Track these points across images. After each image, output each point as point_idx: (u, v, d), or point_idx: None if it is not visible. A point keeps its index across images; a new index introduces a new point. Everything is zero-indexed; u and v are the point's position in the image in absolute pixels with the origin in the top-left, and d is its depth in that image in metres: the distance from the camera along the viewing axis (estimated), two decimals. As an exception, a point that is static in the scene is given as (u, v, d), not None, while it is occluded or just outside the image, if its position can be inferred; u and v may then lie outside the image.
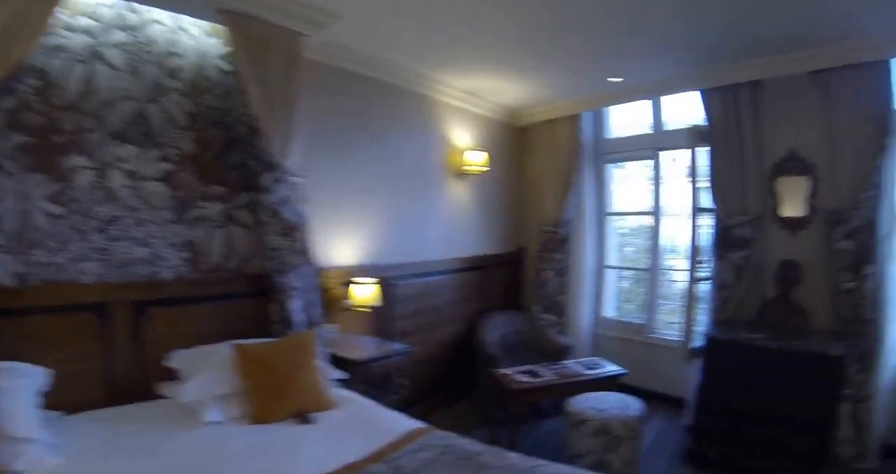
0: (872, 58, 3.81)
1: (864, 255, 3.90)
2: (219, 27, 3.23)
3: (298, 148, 3.37)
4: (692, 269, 4.56)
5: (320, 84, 3.89)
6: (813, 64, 4.05)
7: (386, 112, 4.52)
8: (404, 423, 2.80)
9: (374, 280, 3.99)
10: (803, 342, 3.79)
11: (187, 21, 3.22)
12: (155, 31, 3.07)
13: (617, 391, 4.12)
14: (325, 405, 2.91)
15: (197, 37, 3.27)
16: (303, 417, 2.75)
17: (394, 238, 4.57)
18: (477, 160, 5.22)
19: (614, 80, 4.85)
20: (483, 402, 4.86)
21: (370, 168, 4.35)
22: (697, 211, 4.59)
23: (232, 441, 2.45)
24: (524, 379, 4.10)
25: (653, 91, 5.09)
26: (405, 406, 3.77)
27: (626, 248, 6.05)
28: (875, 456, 3.89)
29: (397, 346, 3.97)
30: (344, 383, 3.31)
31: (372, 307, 3.96)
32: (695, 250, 4.56)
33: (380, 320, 4.29)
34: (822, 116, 4.12)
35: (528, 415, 4.64)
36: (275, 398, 2.79)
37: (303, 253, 3.44)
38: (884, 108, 3.83)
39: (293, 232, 3.39)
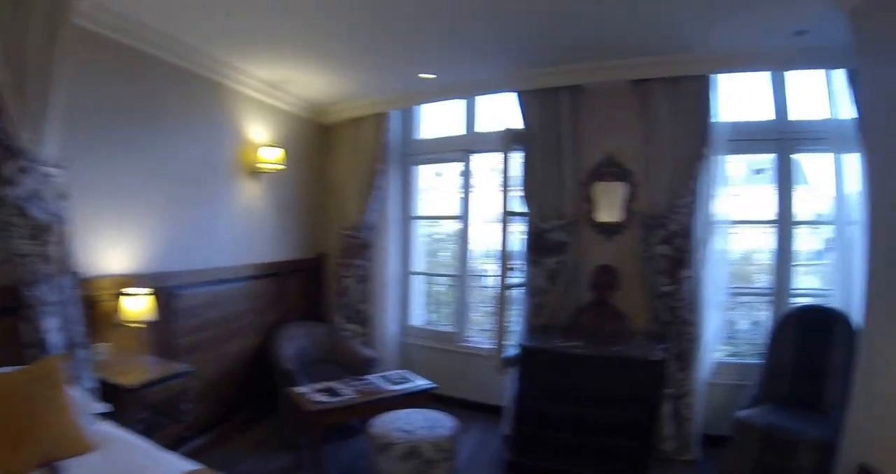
0: (694, 72, 4.03)
1: (680, 260, 4.10)
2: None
3: (57, 133, 2.81)
4: (503, 275, 4.48)
5: (94, 59, 3.32)
6: (635, 73, 4.19)
7: (173, 99, 3.99)
8: (175, 467, 2.37)
9: (148, 290, 3.47)
10: (623, 347, 3.90)
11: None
12: None
13: (430, 404, 4.03)
14: (79, 449, 2.39)
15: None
16: (51, 467, 2.22)
17: (178, 242, 4.04)
18: (272, 157, 4.81)
19: (426, 76, 4.68)
20: (284, 424, 4.49)
21: (151, 161, 3.80)
22: (509, 215, 4.51)
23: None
24: (322, 398, 3.83)
25: (467, 91, 5.02)
26: (196, 433, 3.32)
27: (441, 254, 5.95)
28: (697, 447, 4.16)
29: (181, 366, 3.47)
30: (112, 416, 2.79)
31: (148, 321, 3.45)
32: (505, 255, 4.47)
33: (161, 336, 3.76)
34: (642, 124, 4.29)
35: (334, 434, 4.33)
36: (10, 447, 2.19)
37: (58, 260, 2.85)
38: (703, 120, 4.07)
39: (44, 234, 2.79)
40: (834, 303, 3.89)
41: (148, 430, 3.01)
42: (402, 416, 3.68)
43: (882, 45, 2.71)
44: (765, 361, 3.92)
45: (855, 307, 3.58)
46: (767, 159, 4.43)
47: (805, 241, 4.50)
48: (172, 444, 3.24)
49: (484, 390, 5.09)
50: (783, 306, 4.24)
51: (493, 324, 4.81)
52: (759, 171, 4.77)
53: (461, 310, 5.50)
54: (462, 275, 5.48)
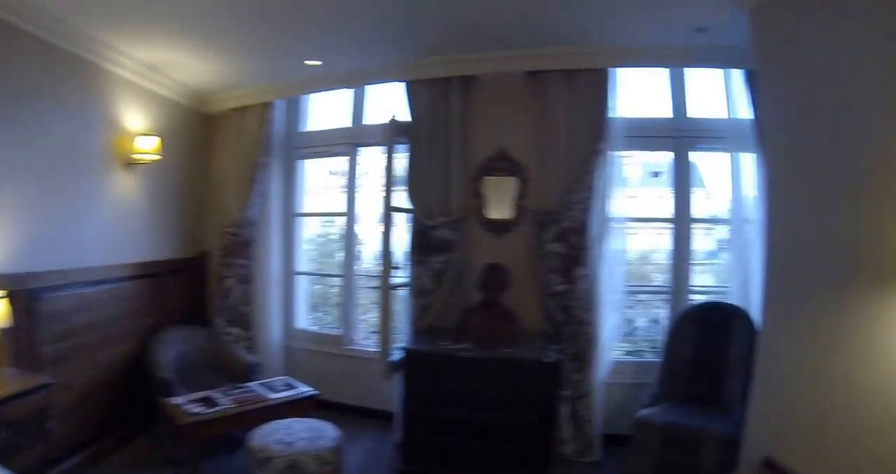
0: (592, 65, 4.00)
1: (575, 258, 4.06)
2: None
3: None
4: (386, 275, 4.27)
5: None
6: (531, 64, 4.13)
7: (36, 77, 3.53)
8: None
9: (0, 292, 3.06)
10: (514, 349, 3.82)
11: None
12: None
13: (317, 412, 3.89)
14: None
15: None
16: None
17: (42, 239, 3.59)
18: (148, 147, 4.40)
19: (313, 63, 4.45)
20: (165, 438, 4.16)
21: (5, 148, 3.35)
22: (392, 211, 4.30)
23: None
24: (197, 409, 3.58)
25: (355, 80, 4.83)
26: (66, 453, 2.96)
27: (338, 254, 5.70)
28: (598, 448, 4.16)
29: (44, 378, 3.09)
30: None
31: (2, 329, 3.05)
32: (387, 254, 4.27)
33: (21, 345, 3.33)
34: (536, 117, 4.23)
35: (217, 448, 4.03)
36: None
37: None
38: (599, 114, 4.04)
39: None
40: (731, 299, 3.98)
41: (6, 453, 2.67)
42: (282, 427, 3.49)
43: (780, 45, 2.77)
44: (664, 359, 3.94)
45: (752, 303, 3.69)
46: (665, 160, 4.50)
47: (702, 239, 4.61)
48: (37, 467, 2.92)
49: (375, 395, 4.90)
50: (681, 304, 4.31)
51: (378, 326, 4.63)
52: (657, 174, 4.87)
53: (348, 312, 5.30)
54: (348, 275, 5.27)
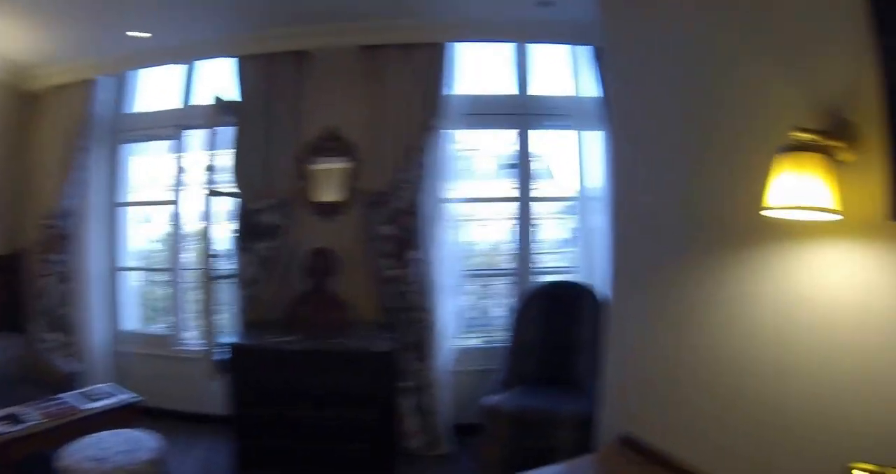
0: (429, 40, 3.91)
1: (407, 240, 3.93)
2: None
3: None
4: (208, 265, 4.00)
5: None
6: (366, 38, 4.00)
7: None
8: None
9: None
10: (345, 339, 3.68)
11: None
12: None
13: (143, 421, 3.58)
14: None
15: None
16: None
17: None
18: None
19: (138, 35, 4.09)
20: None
21: None
22: (215, 195, 4.06)
23: None
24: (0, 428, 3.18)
25: (184, 55, 4.52)
26: None
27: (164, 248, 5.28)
28: (449, 440, 4.03)
29: None
30: None
31: None
32: (208, 242, 4.01)
33: None
34: (369, 94, 4.10)
35: (35, 470, 3.48)
36: None
37: None
38: (434, 89, 3.91)
39: None
40: (579, 278, 3.97)
41: None
42: (97, 441, 3.12)
43: (628, 22, 2.71)
44: (511, 342, 3.87)
45: (600, 281, 3.66)
46: (511, 146, 4.42)
47: (549, 219, 4.65)
48: None
49: (210, 399, 4.46)
50: (527, 285, 4.24)
51: (202, 322, 4.37)
52: (512, 166, 4.64)
53: (177, 310, 4.90)
54: (175, 269, 4.86)
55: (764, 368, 2.00)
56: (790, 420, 1.89)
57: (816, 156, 1.57)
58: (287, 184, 4.20)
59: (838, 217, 1.61)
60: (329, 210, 4.25)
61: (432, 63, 3.93)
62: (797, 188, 1.57)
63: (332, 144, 4.23)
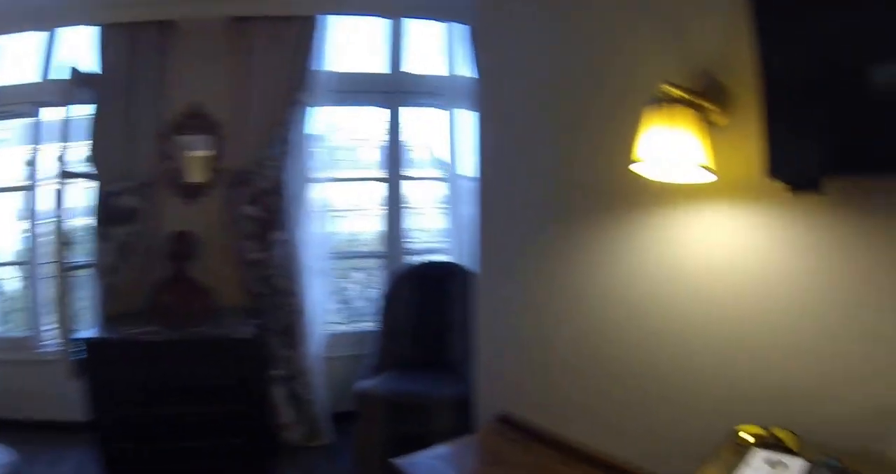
0: (300, 12, 3.78)
1: (270, 221, 3.78)
2: None
3: None
4: (59, 256, 3.75)
5: None
6: (235, 9, 3.80)
7: None
8: None
9: None
10: (205, 327, 3.50)
11: None
12: None
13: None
14: None
15: None
16: None
17: None
18: None
19: None
20: None
21: None
22: (69, 177, 3.81)
23: None
24: None
25: (40, 22, 4.15)
26: None
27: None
28: (328, 429, 3.91)
29: None
30: None
31: None
32: (60, 227, 3.76)
33: None
34: (236, 69, 3.92)
35: None
36: None
37: None
38: (302, 62, 3.79)
39: None
40: (450, 257, 3.95)
41: None
42: None
43: (503, 2, 2.70)
44: (382, 325, 3.79)
45: (471, 260, 3.56)
46: (382, 125, 4.34)
47: (418, 198, 4.56)
48: None
49: (79, 406, 3.93)
50: (398, 267, 4.17)
51: (57, 318, 4.08)
52: (382, 145, 4.54)
53: (34, 308, 4.43)
54: (31, 262, 4.40)
55: (646, 338, 2.02)
56: (673, 388, 1.93)
57: (688, 112, 1.57)
58: (148, 165, 3.95)
59: (713, 177, 1.61)
60: (192, 191, 4.03)
61: (302, 37, 3.79)
62: (668, 141, 1.56)
63: (195, 121, 4.01)
